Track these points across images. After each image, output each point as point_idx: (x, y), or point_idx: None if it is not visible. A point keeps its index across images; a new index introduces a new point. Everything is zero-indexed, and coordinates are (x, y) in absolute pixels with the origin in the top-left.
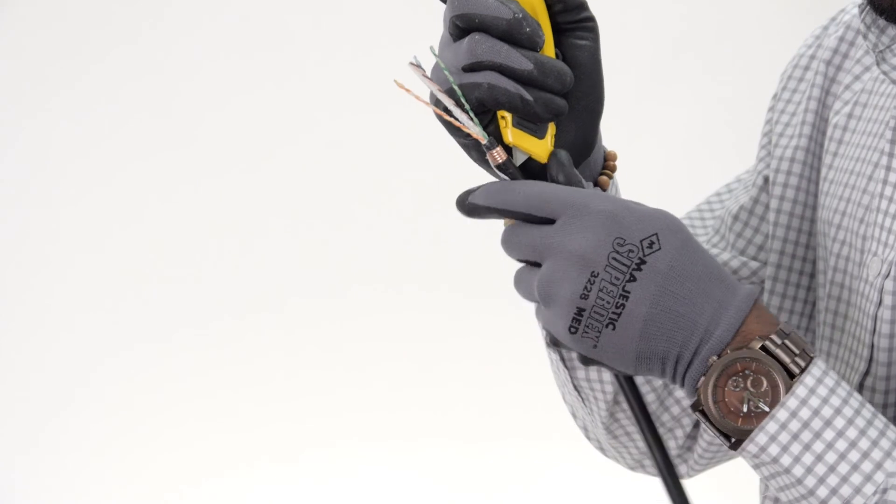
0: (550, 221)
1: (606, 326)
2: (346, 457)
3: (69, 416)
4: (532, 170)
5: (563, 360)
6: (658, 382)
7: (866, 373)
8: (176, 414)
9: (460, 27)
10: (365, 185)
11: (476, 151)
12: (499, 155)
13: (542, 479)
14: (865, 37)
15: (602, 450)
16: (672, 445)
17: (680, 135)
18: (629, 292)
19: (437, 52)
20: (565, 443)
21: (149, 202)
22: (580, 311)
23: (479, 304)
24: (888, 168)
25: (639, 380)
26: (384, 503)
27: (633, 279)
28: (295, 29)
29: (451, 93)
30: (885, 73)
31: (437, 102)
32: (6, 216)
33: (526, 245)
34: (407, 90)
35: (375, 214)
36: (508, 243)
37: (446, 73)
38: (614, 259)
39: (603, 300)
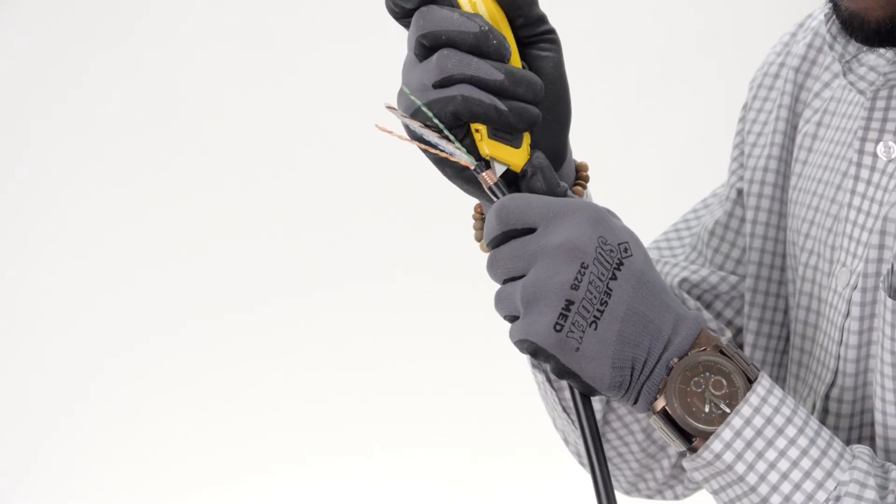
0: (531, 231)
1: (590, 325)
2: (346, 461)
3: (69, 421)
4: (510, 180)
5: (549, 380)
6: None
7: (832, 384)
8: (176, 417)
9: (427, 46)
10: (367, 182)
11: (460, 179)
12: (489, 177)
13: (546, 485)
14: (832, 47)
15: None
16: (665, 465)
17: (678, 139)
18: (612, 290)
19: (402, 78)
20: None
21: (143, 204)
22: (568, 305)
23: (484, 305)
24: (856, 178)
25: None
26: None
27: (614, 278)
28: (290, 29)
29: (418, 113)
30: (851, 83)
31: (419, 139)
32: (7, 217)
33: (509, 257)
34: (389, 132)
35: (377, 212)
36: (492, 264)
37: (411, 97)
38: (600, 253)
39: (591, 294)
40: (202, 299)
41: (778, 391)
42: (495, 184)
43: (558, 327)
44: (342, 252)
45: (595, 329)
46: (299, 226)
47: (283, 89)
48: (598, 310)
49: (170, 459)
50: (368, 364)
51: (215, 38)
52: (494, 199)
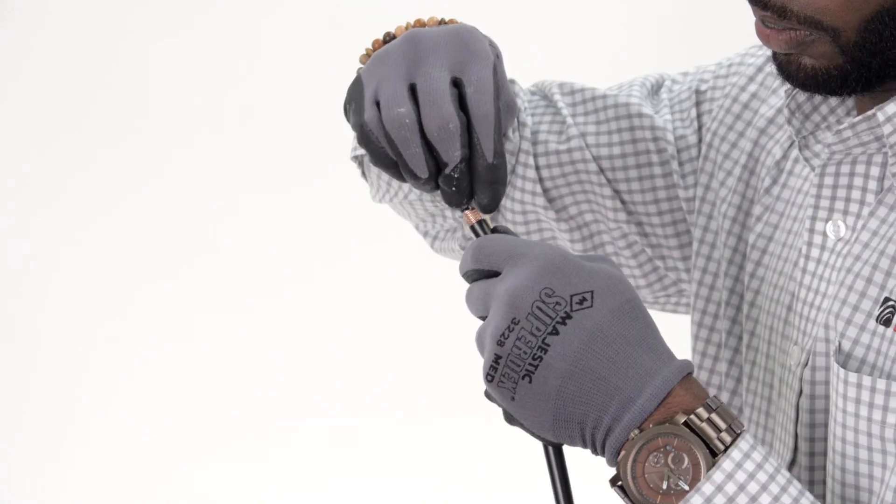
0: (497, 274)
1: (523, 378)
2: (347, 459)
3: (69, 421)
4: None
5: (363, 174)
6: None
7: (792, 462)
8: (176, 417)
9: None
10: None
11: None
12: (473, 216)
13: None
14: (790, 122)
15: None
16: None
17: None
18: (549, 345)
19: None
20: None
21: (146, 204)
22: (497, 359)
23: None
24: (807, 257)
25: None
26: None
27: (555, 332)
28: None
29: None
30: (806, 159)
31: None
32: (7, 214)
33: (476, 299)
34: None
35: (377, 214)
36: (468, 301)
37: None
38: (538, 308)
39: (519, 349)
40: (203, 300)
41: (757, 455)
42: (477, 222)
43: (489, 378)
44: (344, 252)
45: (530, 382)
46: (301, 226)
47: (293, 92)
48: (530, 364)
49: (170, 458)
50: (369, 363)
51: (212, 40)
52: (475, 236)
